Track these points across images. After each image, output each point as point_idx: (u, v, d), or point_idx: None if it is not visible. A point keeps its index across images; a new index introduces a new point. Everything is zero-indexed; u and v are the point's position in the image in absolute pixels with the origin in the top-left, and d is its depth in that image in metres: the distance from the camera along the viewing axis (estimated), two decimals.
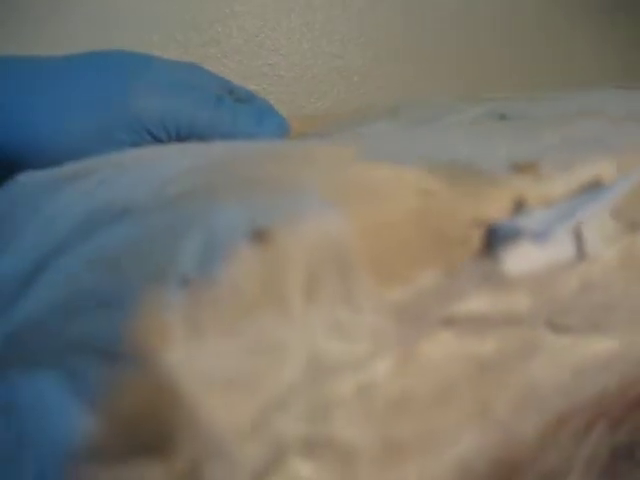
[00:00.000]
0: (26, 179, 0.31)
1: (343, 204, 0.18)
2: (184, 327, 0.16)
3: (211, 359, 0.16)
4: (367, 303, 0.18)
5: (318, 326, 0.18)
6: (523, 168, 0.22)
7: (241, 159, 0.23)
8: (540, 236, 0.21)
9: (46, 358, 0.17)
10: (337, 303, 0.18)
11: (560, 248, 0.23)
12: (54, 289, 0.19)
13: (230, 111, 0.40)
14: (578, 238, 0.23)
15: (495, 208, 0.21)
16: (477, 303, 0.21)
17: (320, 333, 0.18)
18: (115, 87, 0.39)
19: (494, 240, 0.21)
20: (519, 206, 0.21)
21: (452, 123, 0.34)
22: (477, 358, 0.21)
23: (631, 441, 0.28)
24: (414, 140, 0.26)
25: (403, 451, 0.20)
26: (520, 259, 0.21)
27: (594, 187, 0.24)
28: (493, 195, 0.21)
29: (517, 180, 0.22)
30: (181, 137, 0.39)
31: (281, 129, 0.41)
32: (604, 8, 0.85)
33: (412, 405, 0.20)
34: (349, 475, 0.19)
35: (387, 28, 0.81)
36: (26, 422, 0.17)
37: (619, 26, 0.86)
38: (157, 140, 0.39)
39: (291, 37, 0.80)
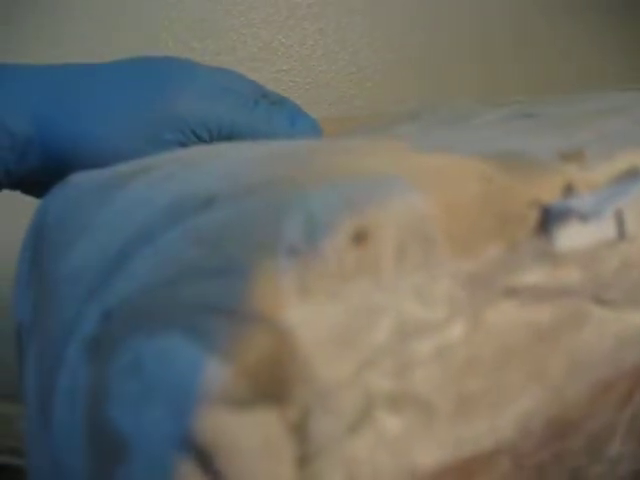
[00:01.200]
0: (81, 179, 0.33)
1: (422, 187, 0.21)
2: (296, 291, 0.19)
3: (319, 318, 0.19)
4: (444, 272, 0.21)
5: (404, 292, 0.20)
6: (570, 157, 0.25)
7: (308, 151, 0.26)
8: (588, 216, 0.23)
9: (166, 320, 0.20)
10: (419, 271, 0.20)
11: (604, 228, 0.25)
12: (159, 265, 0.22)
13: (266, 113, 0.42)
14: (619, 220, 0.25)
15: (547, 191, 0.24)
16: (534, 276, 0.23)
17: (406, 298, 0.20)
18: (161, 90, 0.41)
19: (548, 220, 0.23)
20: (568, 190, 0.24)
21: (480, 123, 0.36)
22: (534, 326, 0.24)
23: None
24: (455, 136, 0.29)
25: (474, 407, 0.22)
26: (570, 237, 0.24)
27: (633, 174, 0.26)
28: (545, 180, 0.24)
29: (565, 167, 0.24)
30: (222, 138, 0.41)
31: (314, 130, 0.43)
32: (612, 8, 0.86)
33: (480, 366, 0.22)
34: (428, 428, 0.22)
35: (400, 34, 0.82)
36: (154, 376, 0.19)
37: (626, 28, 0.86)
38: (200, 140, 0.41)
39: (305, 44, 0.81)
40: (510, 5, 0.85)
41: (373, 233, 0.20)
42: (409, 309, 0.20)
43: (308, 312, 0.19)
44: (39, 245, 0.32)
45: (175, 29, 0.78)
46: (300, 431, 0.19)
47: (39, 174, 0.41)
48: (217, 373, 0.18)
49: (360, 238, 0.20)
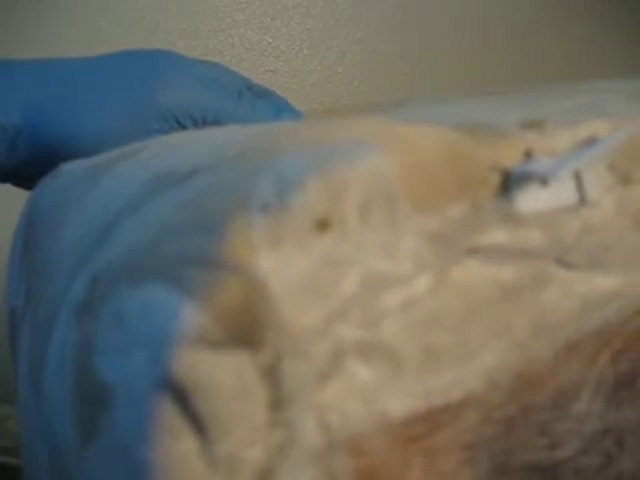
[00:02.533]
0: (72, 167, 0.34)
1: (387, 149, 0.22)
2: (267, 242, 0.20)
3: (289, 268, 0.20)
4: (408, 228, 0.22)
5: (370, 246, 0.22)
6: (530, 125, 0.26)
7: (290, 128, 0.27)
8: (547, 179, 0.25)
9: (148, 273, 0.21)
10: (384, 227, 0.22)
11: (565, 193, 0.27)
12: (139, 228, 0.23)
13: (250, 105, 0.43)
14: (579, 184, 0.27)
15: (509, 156, 0.25)
16: (497, 236, 0.25)
17: (372, 252, 0.22)
18: (148, 82, 0.42)
19: (509, 183, 0.25)
20: (528, 155, 0.26)
21: (458, 103, 0.37)
22: (498, 284, 0.25)
23: (632, 371, 0.32)
24: (432, 112, 0.30)
25: (441, 359, 0.24)
26: (531, 199, 0.25)
27: (591, 142, 0.28)
28: (506, 145, 0.25)
29: (526, 134, 0.26)
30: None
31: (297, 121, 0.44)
32: (605, 2, 0.86)
33: (446, 320, 0.24)
34: (398, 378, 0.23)
35: (387, 34, 0.83)
36: (136, 325, 0.21)
37: (621, 20, 0.87)
38: (184, 130, 0.42)
39: (291, 44, 0.82)
40: (504, 6, 0.85)
41: (339, 190, 0.21)
42: (375, 263, 0.22)
43: (279, 262, 0.20)
44: (30, 233, 0.34)
45: (162, 30, 0.79)
46: (272, 375, 0.20)
47: (29, 166, 0.42)
48: (194, 317, 0.20)
49: (328, 194, 0.21)
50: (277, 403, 0.20)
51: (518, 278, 0.26)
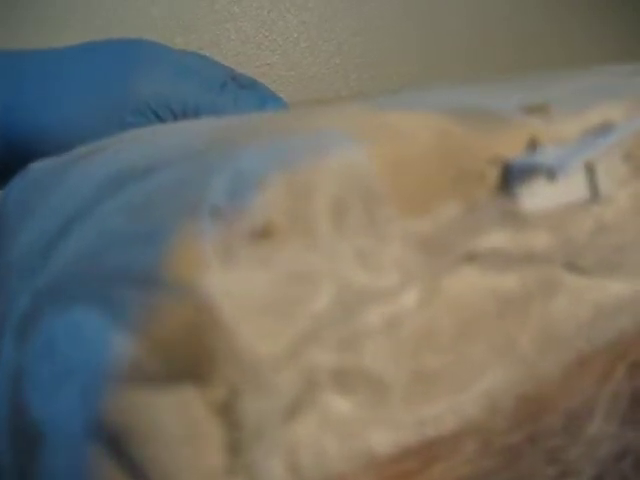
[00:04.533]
0: (40, 165, 0.32)
1: (365, 140, 0.19)
2: (218, 255, 0.17)
3: (246, 286, 0.17)
4: (392, 233, 0.19)
5: (345, 255, 0.18)
6: (534, 110, 0.23)
7: (261, 118, 0.24)
8: (555, 172, 0.21)
9: (79, 293, 0.18)
10: (363, 232, 0.18)
11: (575, 188, 0.23)
12: (83, 238, 0.20)
13: (233, 96, 0.41)
14: (591, 178, 0.23)
15: (509, 146, 0.22)
16: (497, 239, 0.21)
17: (348, 262, 0.18)
18: (122, 72, 0.40)
19: (510, 177, 0.21)
20: (532, 145, 0.22)
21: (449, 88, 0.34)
22: (499, 293, 0.21)
23: None
24: (422, 96, 0.27)
25: (433, 385, 0.20)
26: (536, 196, 0.22)
27: (604, 128, 0.24)
28: (507, 134, 0.22)
29: (529, 120, 0.22)
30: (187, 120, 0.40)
31: None
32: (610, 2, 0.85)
33: (439, 338, 0.20)
34: (382, 409, 0.19)
35: (385, 25, 0.81)
36: (66, 355, 0.17)
37: (619, 12, 0.85)
38: (163, 122, 0.39)
39: (288, 37, 0.80)
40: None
41: (305, 189, 0.17)
42: (352, 275, 0.18)
43: (232, 279, 0.17)
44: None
45: (157, 25, 0.78)
46: (229, 414, 0.17)
47: (2, 163, 0.39)
48: (127, 348, 0.16)
49: (291, 195, 0.17)
50: (236, 445, 0.17)
51: (522, 287, 0.22)
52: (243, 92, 0.43)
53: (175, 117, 0.41)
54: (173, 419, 0.16)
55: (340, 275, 0.18)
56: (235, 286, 0.17)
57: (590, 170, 0.23)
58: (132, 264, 0.17)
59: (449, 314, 0.20)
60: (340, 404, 0.19)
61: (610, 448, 0.26)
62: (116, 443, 0.16)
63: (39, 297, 0.21)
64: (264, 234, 0.17)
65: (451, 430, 0.21)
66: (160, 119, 0.40)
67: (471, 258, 0.21)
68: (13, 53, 0.42)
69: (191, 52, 0.45)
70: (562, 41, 0.86)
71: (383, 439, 0.20)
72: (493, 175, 0.21)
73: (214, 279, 0.16)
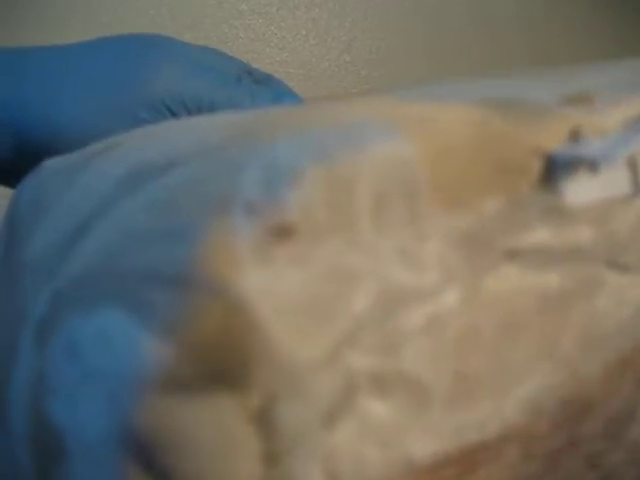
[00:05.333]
0: (53, 163, 0.31)
1: (405, 131, 0.18)
2: (254, 253, 0.16)
3: (283, 286, 0.16)
4: (433, 229, 0.18)
5: (386, 253, 0.17)
6: (576, 100, 0.22)
7: (284, 110, 0.23)
8: (598, 164, 0.20)
9: (104, 294, 0.17)
10: (404, 228, 0.17)
11: (617, 181, 0.22)
12: (104, 237, 0.19)
13: (249, 91, 0.40)
14: (634, 171, 0.22)
15: (551, 138, 0.20)
16: (539, 235, 0.20)
17: (388, 260, 0.17)
18: (136, 68, 0.39)
19: (553, 169, 0.20)
20: (575, 136, 0.21)
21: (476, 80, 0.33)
22: (541, 292, 0.20)
23: None
24: (453, 88, 0.26)
25: (475, 388, 0.19)
26: (580, 190, 0.21)
27: None
28: (548, 125, 0.21)
29: (571, 111, 0.21)
30: None
31: None
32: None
33: (481, 339, 0.19)
34: (422, 413, 0.18)
35: (393, 21, 0.81)
36: (91, 360, 0.16)
37: (622, 9, 0.84)
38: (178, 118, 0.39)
39: (297, 34, 0.80)
40: None
41: (346, 182, 0.16)
42: (393, 273, 0.17)
43: (269, 278, 0.16)
44: (11, 237, 0.30)
45: (166, 22, 0.77)
46: (265, 422, 0.16)
47: (13, 163, 0.39)
48: (159, 353, 0.15)
49: (331, 188, 0.16)
50: (273, 455, 0.16)
51: (564, 285, 0.21)
52: (259, 87, 0.42)
53: (189, 113, 0.40)
54: (207, 428, 0.15)
55: (381, 273, 0.17)
56: (272, 285, 0.16)
57: (633, 163, 0.22)
58: (160, 263, 0.16)
59: (490, 314, 0.19)
60: (379, 409, 0.18)
61: None
62: (147, 453, 0.15)
63: (59, 298, 0.20)
64: (302, 230, 0.16)
65: (493, 436, 0.20)
66: (174, 115, 0.39)
67: (513, 255, 0.20)
68: (22, 50, 0.41)
69: (205, 46, 0.44)
70: (567, 38, 0.86)
71: (423, 446, 0.19)
72: (535, 168, 0.20)
73: (250, 278, 0.15)
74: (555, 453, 0.22)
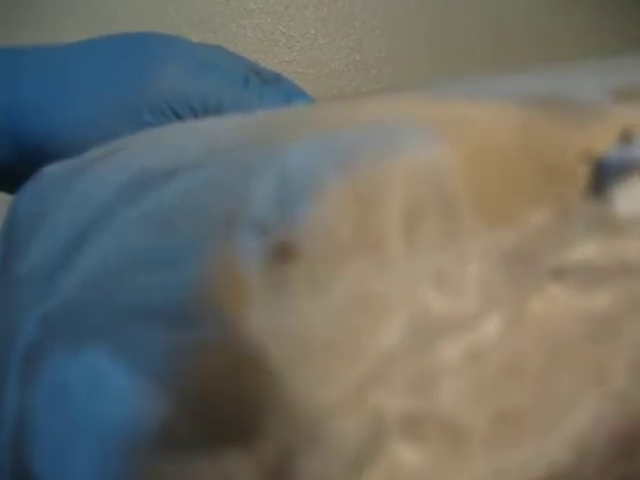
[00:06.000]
0: (53, 169, 0.29)
1: (440, 135, 0.15)
2: (265, 282, 0.13)
3: (300, 320, 0.13)
4: (474, 248, 0.15)
5: (421, 276, 0.15)
6: (626, 96, 0.19)
7: (298, 110, 0.21)
8: None
9: (94, 329, 0.14)
10: (441, 248, 0.15)
11: None
12: (101, 253, 0.16)
13: (257, 91, 0.39)
14: None
15: (602, 139, 0.18)
16: (588, 251, 0.18)
17: (422, 285, 0.15)
18: (139, 69, 0.38)
19: (603, 176, 0.18)
20: (627, 137, 0.18)
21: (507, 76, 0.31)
22: (590, 315, 0.18)
23: None
24: (481, 85, 0.23)
25: (518, 426, 0.17)
26: (633, 198, 0.18)
27: None
28: (597, 126, 0.18)
29: (621, 109, 0.19)
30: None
31: None
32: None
33: (524, 372, 0.17)
34: (459, 458, 0.16)
35: (404, 20, 0.81)
36: (79, 407, 0.14)
37: (624, 5, 0.84)
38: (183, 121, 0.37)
39: (306, 33, 0.80)
40: None
41: (373, 196, 0.14)
42: (428, 300, 0.15)
43: (283, 312, 0.13)
44: (9, 247, 0.28)
45: (175, 22, 0.77)
46: (281, 479, 0.13)
47: (11, 167, 0.38)
48: (153, 404, 0.12)
49: (355, 204, 0.14)
50: None
51: (615, 306, 0.19)
52: (267, 87, 0.41)
53: (195, 114, 0.38)
54: None
55: (414, 300, 0.14)
56: (286, 320, 0.13)
57: None
58: (155, 294, 0.13)
59: (535, 342, 0.17)
60: (411, 456, 0.15)
61: None
62: None
63: (48, 325, 0.18)
64: (322, 253, 0.14)
65: (537, 479, 0.18)
66: (179, 117, 0.38)
67: (559, 274, 0.17)
68: (21, 49, 0.40)
69: (211, 45, 0.43)
70: (573, 37, 0.85)
71: None
72: (585, 174, 0.17)
73: (260, 313, 0.13)
74: None
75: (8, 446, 0.17)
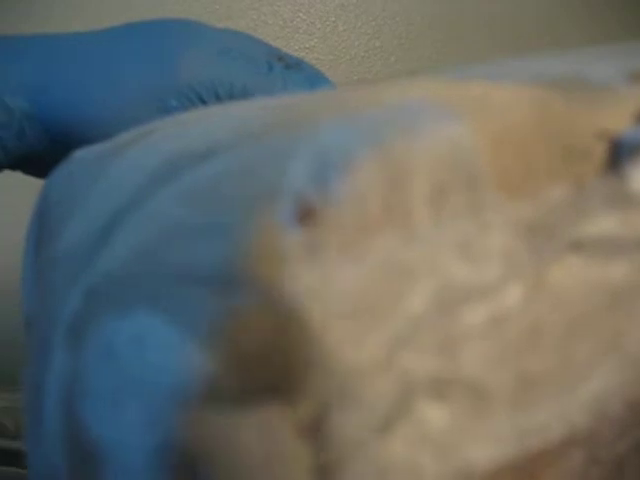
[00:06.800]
0: (83, 153, 0.30)
1: (462, 114, 0.16)
2: (304, 249, 0.14)
3: (336, 285, 0.14)
4: (497, 219, 0.16)
5: (446, 246, 0.16)
6: None
7: (326, 93, 0.21)
8: None
9: (141, 294, 0.15)
10: (465, 219, 0.16)
11: None
12: (139, 231, 0.17)
13: (280, 76, 0.39)
14: None
15: (617, 120, 0.19)
16: (605, 224, 0.19)
17: (448, 254, 0.16)
18: (164, 55, 0.38)
19: (620, 154, 0.19)
20: None
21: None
22: (607, 286, 0.19)
23: None
24: (499, 67, 0.24)
25: (538, 389, 0.18)
26: None
27: None
28: (613, 106, 0.19)
29: (637, 91, 0.20)
30: None
31: None
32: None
33: (545, 337, 0.18)
34: (482, 418, 0.17)
35: (422, 7, 0.80)
36: (129, 367, 0.15)
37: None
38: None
39: (326, 20, 0.79)
40: None
41: (401, 171, 0.15)
42: (453, 269, 0.16)
43: (320, 277, 0.14)
44: (41, 231, 0.29)
45: (195, 11, 0.77)
46: (317, 433, 0.14)
47: (41, 152, 0.39)
48: (200, 362, 0.14)
49: (385, 178, 0.15)
50: (326, 468, 0.15)
51: (632, 277, 0.19)
52: (290, 72, 0.41)
53: (220, 100, 0.39)
54: (255, 442, 0.14)
55: (440, 269, 0.16)
56: (323, 285, 0.14)
57: None
58: (200, 262, 0.15)
59: (555, 310, 0.18)
60: (437, 414, 0.16)
61: None
62: (189, 470, 0.14)
63: (93, 295, 0.19)
64: (355, 224, 0.15)
65: (556, 440, 0.19)
66: (204, 102, 0.38)
67: (578, 246, 0.18)
68: (47, 36, 0.41)
69: (234, 31, 0.43)
70: (580, 29, 0.84)
71: (482, 453, 0.17)
72: (601, 152, 0.18)
73: (300, 278, 0.14)
74: (621, 459, 0.21)
75: (58, 412, 0.19)
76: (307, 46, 0.82)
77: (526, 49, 0.82)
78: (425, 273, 0.15)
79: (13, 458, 0.57)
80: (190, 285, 0.15)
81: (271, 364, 0.14)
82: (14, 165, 0.40)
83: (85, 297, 0.20)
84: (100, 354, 0.16)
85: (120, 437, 0.15)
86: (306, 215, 0.15)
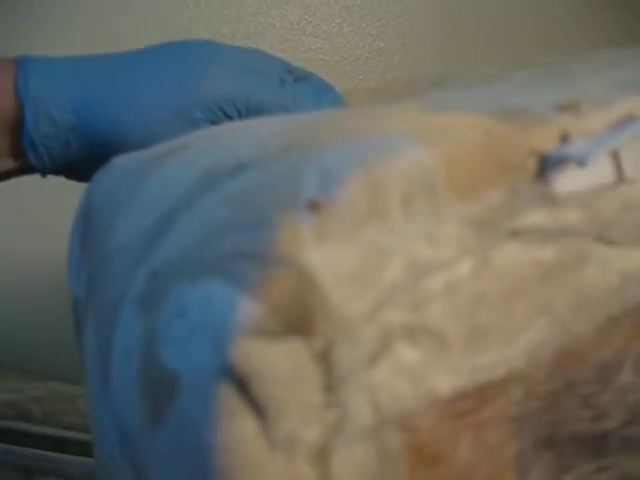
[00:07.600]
0: (124, 160, 0.35)
1: (427, 142, 0.23)
2: (314, 237, 0.22)
3: (337, 260, 0.22)
4: (450, 215, 0.23)
5: (414, 235, 0.23)
6: (566, 108, 0.27)
7: (329, 119, 0.29)
8: (585, 160, 0.26)
9: (205, 268, 0.23)
10: (427, 216, 0.23)
11: (602, 172, 0.27)
12: (197, 226, 0.24)
13: (291, 90, 0.43)
14: (617, 162, 0.28)
15: (545, 141, 0.26)
16: (536, 217, 0.26)
17: (416, 240, 0.23)
18: (190, 71, 0.42)
19: (546, 167, 0.26)
20: (564, 138, 0.26)
21: (493, 84, 0.38)
22: (539, 265, 0.26)
23: None
24: (468, 96, 0.31)
25: (485, 338, 0.25)
26: (569, 181, 0.26)
27: (628, 120, 0.28)
28: (542, 130, 0.26)
29: (561, 117, 0.27)
30: (249, 116, 0.43)
31: (338, 105, 0.45)
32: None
33: (489, 301, 0.25)
34: (443, 357, 0.24)
35: (426, 8, 0.83)
36: (197, 317, 0.22)
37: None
38: (229, 118, 0.43)
39: (332, 22, 0.83)
40: None
41: (381, 185, 0.22)
42: (418, 250, 0.23)
43: (326, 255, 0.22)
44: (87, 226, 0.35)
45: (205, 15, 0.81)
46: (325, 361, 0.22)
47: (82, 160, 0.43)
48: (250, 309, 0.21)
49: (369, 188, 0.22)
50: (330, 386, 0.22)
51: (558, 257, 0.26)
52: (299, 85, 0.44)
53: (239, 112, 0.43)
54: (285, 364, 0.22)
55: (409, 251, 0.23)
56: (328, 260, 0.22)
57: (616, 156, 0.27)
58: (246, 245, 0.22)
59: (497, 280, 0.25)
60: (410, 353, 0.23)
61: (639, 396, 0.30)
62: (241, 383, 0.22)
63: (159, 277, 0.26)
64: (348, 219, 0.22)
65: (500, 377, 0.26)
66: (226, 115, 0.43)
67: (515, 234, 0.25)
68: (91, 58, 0.45)
69: (247, 48, 0.46)
70: (580, 29, 0.86)
71: (444, 382, 0.24)
72: (532, 165, 0.25)
73: (312, 255, 0.22)
74: (554, 394, 0.28)
75: (132, 363, 0.26)
76: (313, 47, 0.84)
77: (527, 51, 0.83)
78: (399, 253, 0.23)
79: (39, 440, 0.63)
80: (241, 260, 0.22)
81: (295, 312, 0.21)
82: (58, 171, 0.45)
83: (151, 277, 0.27)
84: (173, 311, 0.23)
85: (192, 365, 0.22)
86: (315, 212, 0.22)
